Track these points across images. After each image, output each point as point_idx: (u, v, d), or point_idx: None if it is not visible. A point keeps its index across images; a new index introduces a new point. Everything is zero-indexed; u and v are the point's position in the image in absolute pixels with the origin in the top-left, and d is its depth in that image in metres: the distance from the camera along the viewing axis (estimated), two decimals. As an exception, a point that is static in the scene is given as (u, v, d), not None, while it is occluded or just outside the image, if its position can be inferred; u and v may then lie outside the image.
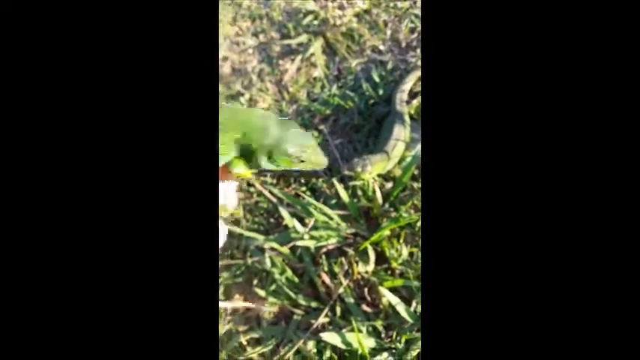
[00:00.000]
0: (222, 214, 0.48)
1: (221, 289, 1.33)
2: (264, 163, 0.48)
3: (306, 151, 0.47)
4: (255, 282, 1.32)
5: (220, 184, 0.49)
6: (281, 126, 0.47)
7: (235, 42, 1.97)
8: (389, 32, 1.80)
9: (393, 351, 1.10)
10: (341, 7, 1.92)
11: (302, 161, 0.48)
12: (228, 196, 0.50)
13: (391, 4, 1.88)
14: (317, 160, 0.49)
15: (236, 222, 0.52)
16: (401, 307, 1.13)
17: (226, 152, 0.47)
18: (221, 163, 0.47)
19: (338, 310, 1.21)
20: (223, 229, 0.49)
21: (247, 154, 0.48)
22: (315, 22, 1.90)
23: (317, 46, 1.82)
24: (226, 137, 0.46)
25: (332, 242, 1.28)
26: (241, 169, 0.48)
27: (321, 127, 1.61)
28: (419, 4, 1.84)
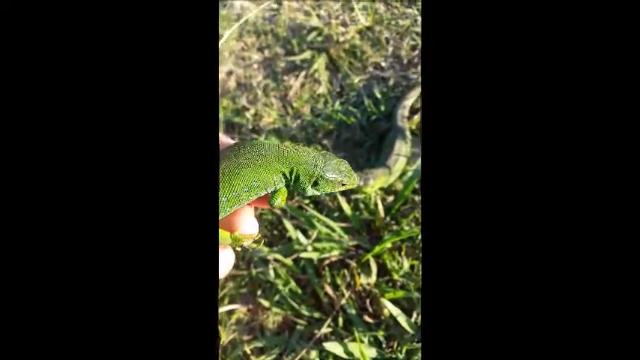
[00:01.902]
0: (246, 242, 0.52)
1: (226, 300, 1.36)
2: (310, 191, 0.56)
3: (345, 175, 0.57)
4: (259, 292, 1.35)
5: (241, 215, 0.53)
6: (323, 158, 0.56)
7: (241, 57, 2.02)
8: (391, 49, 1.85)
9: (394, 361, 1.13)
10: (344, 24, 1.97)
11: (343, 184, 0.57)
12: (250, 223, 0.53)
13: (393, 22, 1.93)
14: (353, 181, 0.58)
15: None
16: (402, 318, 1.16)
17: (273, 184, 0.53)
18: (263, 193, 0.53)
19: (340, 320, 1.24)
20: (230, 256, 0.51)
21: (293, 184, 0.55)
22: (319, 39, 1.95)
23: (320, 62, 1.87)
24: (275, 170, 0.53)
25: (334, 254, 1.31)
26: (282, 200, 0.55)
27: (324, 141, 1.65)
28: (420, 22, 1.89)
